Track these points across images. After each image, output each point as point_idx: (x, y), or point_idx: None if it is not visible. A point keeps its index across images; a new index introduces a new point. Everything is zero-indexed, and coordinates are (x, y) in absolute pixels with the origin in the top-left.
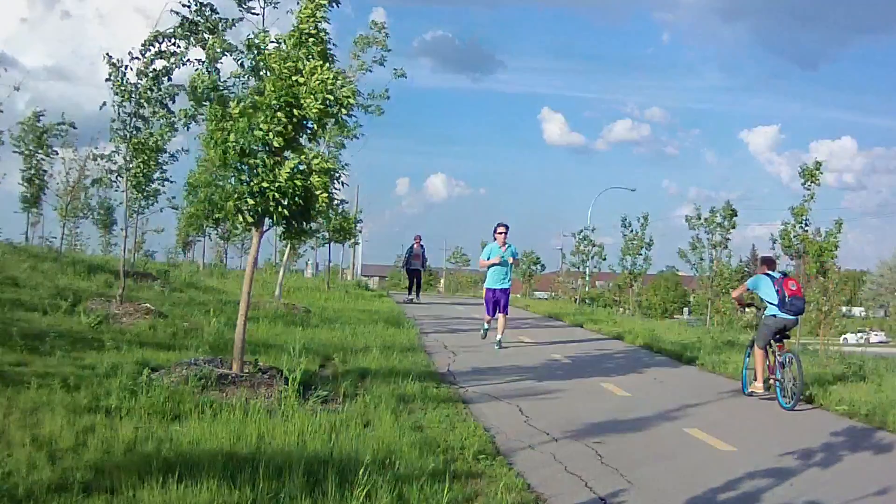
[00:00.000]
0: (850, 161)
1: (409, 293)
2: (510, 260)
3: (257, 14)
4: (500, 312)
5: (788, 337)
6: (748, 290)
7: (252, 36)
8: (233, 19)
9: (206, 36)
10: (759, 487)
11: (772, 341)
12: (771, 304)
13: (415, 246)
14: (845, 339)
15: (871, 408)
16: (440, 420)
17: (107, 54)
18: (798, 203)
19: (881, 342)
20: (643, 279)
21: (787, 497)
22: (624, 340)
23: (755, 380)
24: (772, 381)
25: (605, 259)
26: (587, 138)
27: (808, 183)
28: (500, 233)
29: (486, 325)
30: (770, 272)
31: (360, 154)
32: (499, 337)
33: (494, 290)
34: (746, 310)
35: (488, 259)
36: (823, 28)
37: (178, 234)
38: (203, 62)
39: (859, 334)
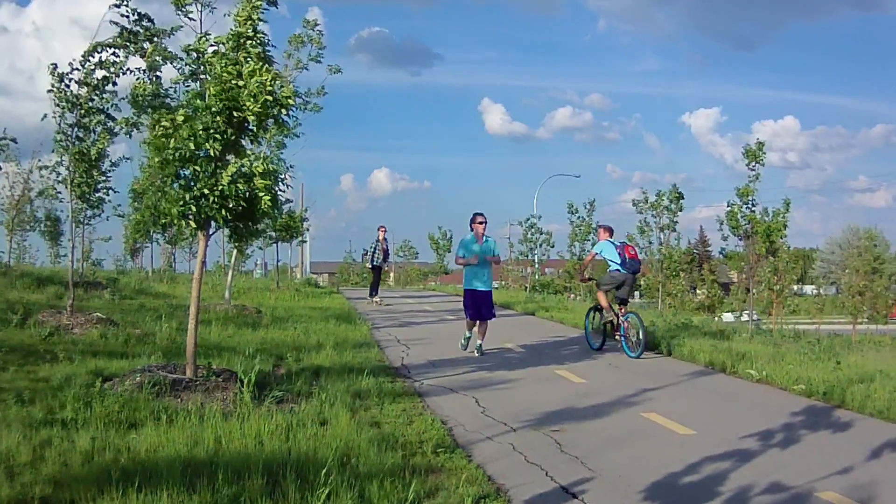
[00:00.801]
0: (793, 140)
1: (373, 294)
2: (490, 258)
3: (195, 20)
4: (482, 319)
5: (627, 302)
6: (596, 253)
7: (192, 41)
8: (172, 27)
9: (144, 45)
10: (720, 470)
11: (615, 306)
12: (614, 262)
13: (380, 237)
14: (724, 317)
15: (829, 386)
16: (397, 415)
17: (52, 65)
18: (743, 184)
19: (755, 321)
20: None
21: (748, 479)
22: (577, 326)
23: (596, 312)
24: (618, 337)
25: (553, 246)
26: (529, 127)
27: (752, 164)
28: (479, 223)
29: (467, 334)
30: (611, 239)
31: (303, 152)
32: (479, 342)
33: (475, 291)
34: (589, 282)
35: (464, 257)
36: (758, 9)
37: (125, 241)
38: (144, 70)
39: (735, 314)
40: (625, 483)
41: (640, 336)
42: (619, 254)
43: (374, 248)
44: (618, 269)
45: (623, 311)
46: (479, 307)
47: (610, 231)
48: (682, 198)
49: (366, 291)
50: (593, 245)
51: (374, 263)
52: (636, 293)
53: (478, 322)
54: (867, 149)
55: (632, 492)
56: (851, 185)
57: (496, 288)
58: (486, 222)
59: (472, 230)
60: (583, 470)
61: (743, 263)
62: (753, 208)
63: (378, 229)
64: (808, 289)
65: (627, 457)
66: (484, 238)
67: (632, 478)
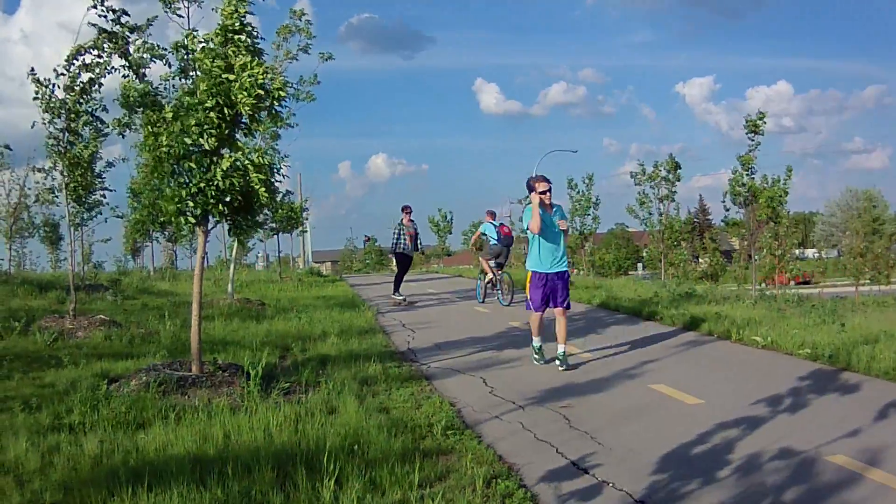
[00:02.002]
0: (787, 105)
1: (397, 289)
2: (562, 226)
3: (182, 16)
4: (558, 307)
5: (503, 265)
6: (482, 233)
7: (180, 37)
8: (148, 19)
9: (128, 44)
10: (729, 438)
11: (493, 268)
12: (493, 238)
13: (405, 220)
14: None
15: (835, 349)
16: (405, 399)
17: (31, 70)
18: (743, 152)
19: (644, 277)
20: (594, 238)
21: (758, 446)
22: (581, 301)
23: (483, 274)
24: (494, 292)
25: None
26: (523, 105)
27: (753, 134)
28: (543, 189)
29: (536, 342)
30: (492, 222)
31: (299, 142)
32: (561, 348)
33: (547, 274)
34: (481, 249)
35: (527, 228)
36: None
37: (125, 241)
38: (130, 67)
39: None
40: (635, 456)
41: (512, 289)
42: (497, 232)
43: (399, 233)
44: (496, 243)
45: (499, 272)
46: (553, 291)
47: (493, 215)
48: (680, 168)
49: (371, 278)
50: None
51: (399, 251)
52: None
53: (541, 317)
54: (861, 110)
55: (643, 464)
56: (848, 147)
57: None
58: (551, 187)
59: (529, 198)
60: (593, 445)
61: (744, 230)
62: (753, 176)
63: (402, 210)
64: (810, 252)
65: (637, 429)
66: (555, 207)
67: (642, 450)
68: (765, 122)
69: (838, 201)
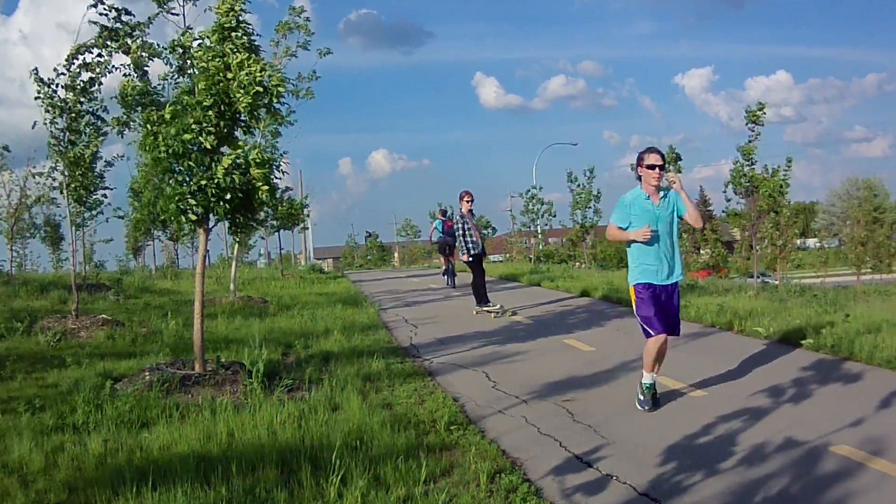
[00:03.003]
0: (787, 94)
1: (482, 301)
2: (690, 215)
3: (177, 14)
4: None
5: (452, 253)
6: (435, 228)
7: (176, 36)
8: (149, 17)
9: (128, 42)
10: (733, 430)
11: (443, 254)
12: (439, 231)
13: (464, 211)
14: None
15: (837, 339)
16: (408, 395)
17: (34, 70)
18: (744, 142)
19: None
20: (595, 231)
21: (762, 436)
22: (583, 294)
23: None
24: (445, 277)
25: (554, 216)
26: (524, 98)
27: (753, 125)
28: (654, 166)
29: (647, 380)
30: (442, 218)
31: (300, 139)
32: (652, 378)
33: (656, 286)
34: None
35: (626, 226)
36: None
37: (126, 240)
38: (129, 66)
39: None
40: (640, 448)
41: (453, 276)
42: (443, 226)
43: (465, 229)
44: (441, 236)
45: (452, 259)
46: (665, 308)
47: (443, 213)
48: (680, 159)
49: (373, 274)
50: (600, 211)
51: (475, 252)
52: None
53: (662, 344)
54: (861, 98)
55: (647, 456)
56: (848, 136)
57: (500, 261)
58: (663, 165)
59: (639, 180)
60: (597, 438)
61: (745, 221)
62: (754, 166)
63: (461, 199)
64: (811, 242)
65: (640, 422)
66: (662, 192)
67: (646, 443)
68: (765, 113)
69: (839, 191)
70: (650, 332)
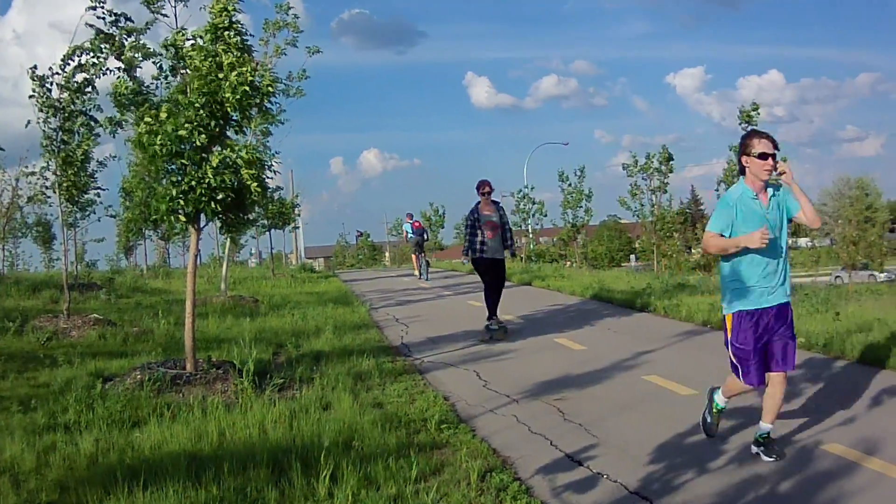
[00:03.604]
0: (779, 94)
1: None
2: (807, 212)
3: (167, 15)
4: (776, 370)
5: (423, 251)
6: (406, 231)
7: (168, 37)
8: (147, 23)
9: (123, 44)
10: (724, 428)
11: (416, 251)
12: (409, 233)
13: (482, 206)
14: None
15: (829, 338)
16: (399, 394)
17: (32, 68)
18: (737, 142)
19: (637, 269)
20: (586, 231)
21: (752, 435)
22: (574, 294)
23: (414, 269)
24: (419, 273)
25: (545, 215)
26: (516, 98)
27: (746, 125)
28: (768, 169)
29: (720, 403)
30: (409, 221)
31: (291, 138)
32: (768, 427)
33: (760, 311)
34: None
35: (730, 233)
36: None
37: (118, 240)
38: (123, 69)
39: None
40: (630, 447)
41: (427, 269)
42: (412, 227)
43: (474, 226)
44: (412, 236)
45: (423, 255)
46: (769, 344)
47: (410, 216)
48: (672, 159)
49: (364, 273)
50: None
51: (478, 255)
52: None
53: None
54: (854, 98)
55: (637, 455)
56: (841, 136)
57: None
58: (776, 153)
59: (742, 174)
60: (587, 437)
61: None
62: None
63: (478, 190)
64: (803, 241)
65: (631, 421)
66: (771, 190)
67: (637, 441)
68: (758, 114)
69: (831, 190)
70: (741, 378)
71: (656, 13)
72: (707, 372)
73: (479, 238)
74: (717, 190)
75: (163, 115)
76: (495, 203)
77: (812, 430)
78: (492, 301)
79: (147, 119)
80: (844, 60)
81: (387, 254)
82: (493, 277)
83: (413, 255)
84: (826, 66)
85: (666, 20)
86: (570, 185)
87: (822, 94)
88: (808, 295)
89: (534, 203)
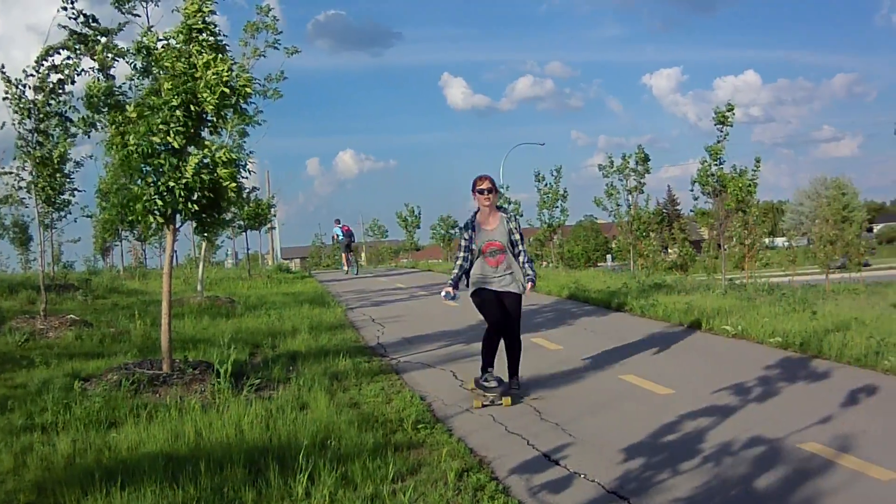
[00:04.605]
0: (755, 95)
1: (488, 369)
2: None
3: (139, 15)
4: None
5: (353, 250)
6: (335, 234)
7: (140, 37)
8: (119, 24)
9: (97, 44)
10: (700, 427)
11: (345, 252)
12: (340, 235)
13: (480, 213)
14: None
15: (806, 337)
16: (375, 394)
17: (0, 69)
18: (712, 142)
19: (614, 269)
20: (563, 231)
21: (729, 434)
22: (550, 294)
23: (344, 265)
24: (347, 269)
25: (521, 215)
26: (491, 99)
27: (721, 125)
28: None
29: None
30: (338, 226)
31: (267, 140)
32: None
33: None
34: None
35: None
36: None
37: (94, 241)
38: (97, 70)
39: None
40: (606, 446)
41: (357, 266)
42: (341, 231)
43: (469, 242)
44: (342, 238)
45: (351, 255)
46: None
47: (338, 221)
48: (649, 159)
49: (339, 274)
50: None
51: (477, 284)
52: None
53: None
54: (830, 99)
55: (614, 454)
56: (817, 136)
57: None
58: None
59: None
60: (564, 436)
61: (713, 220)
62: (722, 166)
63: (474, 189)
64: (779, 241)
65: (607, 420)
66: None
67: (613, 440)
68: (733, 114)
69: (807, 190)
70: None
71: (631, 16)
72: (683, 370)
73: (478, 271)
74: (691, 190)
75: (132, 115)
76: (502, 211)
77: (788, 429)
78: (493, 347)
79: (119, 119)
80: (821, 61)
81: (363, 254)
82: (500, 313)
83: (343, 255)
84: (803, 67)
85: (641, 23)
86: (546, 185)
87: (799, 94)
88: (784, 294)
89: (510, 203)
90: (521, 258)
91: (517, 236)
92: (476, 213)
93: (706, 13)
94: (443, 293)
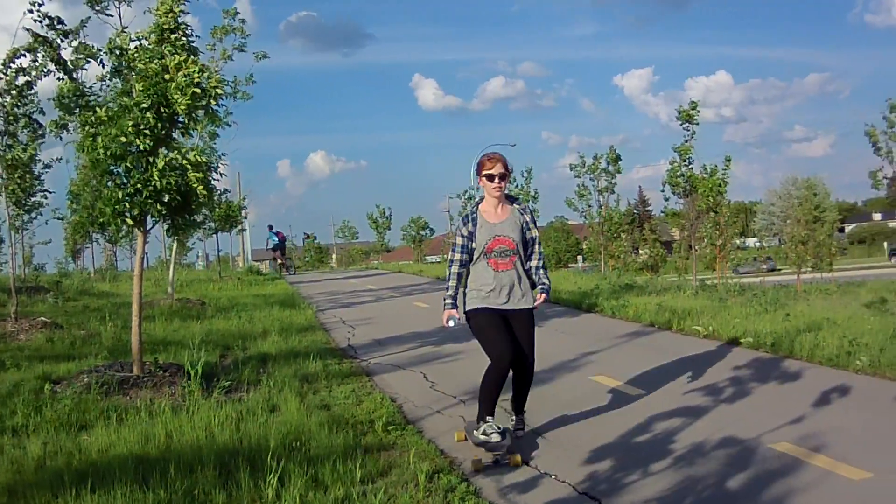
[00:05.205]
0: (727, 95)
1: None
2: None
3: (111, 15)
4: None
5: (284, 255)
6: (268, 238)
7: (112, 38)
8: (81, 21)
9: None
10: (671, 428)
11: (278, 256)
12: (274, 240)
13: (483, 205)
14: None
15: (777, 337)
16: (346, 396)
17: None
18: (680, 142)
19: (585, 270)
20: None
21: (700, 435)
22: None
23: (275, 261)
24: (284, 272)
25: None
26: (463, 100)
27: (686, 124)
28: None
29: None
30: (272, 231)
31: (238, 141)
32: None
33: None
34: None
35: None
36: None
37: (65, 243)
38: (62, 70)
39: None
40: (577, 447)
41: (294, 268)
42: (275, 236)
43: (465, 246)
44: (277, 243)
45: (287, 258)
46: None
47: (270, 227)
48: (620, 159)
49: (311, 276)
50: None
51: (477, 304)
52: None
53: None
54: (802, 98)
55: (584, 455)
56: (789, 136)
57: (438, 262)
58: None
59: None
60: (533, 436)
61: (684, 221)
62: (691, 166)
63: (479, 172)
64: (751, 242)
65: (579, 421)
66: None
67: (584, 441)
68: (698, 112)
69: (779, 190)
70: None
71: (604, 14)
72: (654, 370)
73: (477, 281)
74: (662, 190)
75: (102, 117)
76: (513, 202)
77: (759, 429)
78: (496, 391)
79: (90, 121)
80: (793, 61)
81: (334, 256)
82: (507, 343)
83: (278, 258)
84: (775, 67)
85: (615, 20)
86: (516, 186)
87: (771, 94)
88: (756, 295)
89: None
90: (534, 261)
91: (534, 233)
92: (479, 202)
93: (679, 10)
94: (446, 320)
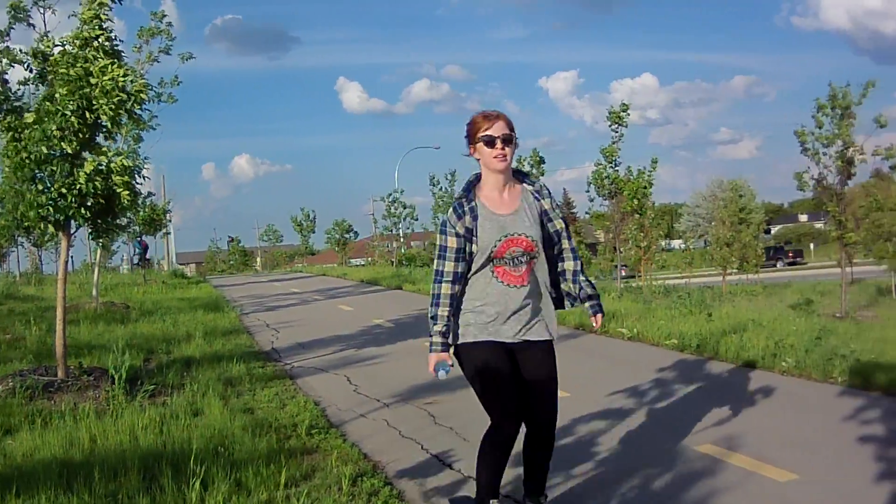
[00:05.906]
0: (653, 97)
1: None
2: None
3: (34, 26)
4: None
5: (148, 260)
6: (134, 246)
7: (36, 42)
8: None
9: None
10: (595, 430)
11: (142, 262)
12: (136, 248)
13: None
14: None
15: (702, 339)
16: (269, 399)
17: None
18: (607, 144)
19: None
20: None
21: (624, 437)
22: None
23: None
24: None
25: (416, 219)
26: (387, 103)
27: (616, 126)
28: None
29: None
30: (137, 239)
31: (162, 144)
32: None
33: None
34: None
35: None
36: None
37: None
38: None
39: None
40: None
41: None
42: (139, 244)
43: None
44: (139, 251)
45: (149, 263)
46: None
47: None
48: (544, 162)
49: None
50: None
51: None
52: None
53: None
54: (728, 101)
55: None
56: (715, 138)
57: (362, 265)
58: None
59: None
60: (457, 440)
61: (609, 223)
62: (617, 168)
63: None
64: (676, 243)
65: None
66: None
67: None
68: (628, 114)
69: (704, 192)
70: None
71: (530, 17)
72: (579, 373)
73: (477, 300)
74: (587, 192)
75: (29, 121)
76: (524, 179)
77: (683, 431)
78: (501, 459)
79: (13, 125)
80: (720, 64)
81: (258, 259)
82: (514, 394)
83: (141, 265)
84: (701, 70)
85: (540, 23)
86: (441, 189)
87: (697, 96)
88: (681, 297)
89: (405, 207)
90: (567, 262)
91: (559, 225)
92: (472, 184)
93: (605, 13)
94: (434, 369)
